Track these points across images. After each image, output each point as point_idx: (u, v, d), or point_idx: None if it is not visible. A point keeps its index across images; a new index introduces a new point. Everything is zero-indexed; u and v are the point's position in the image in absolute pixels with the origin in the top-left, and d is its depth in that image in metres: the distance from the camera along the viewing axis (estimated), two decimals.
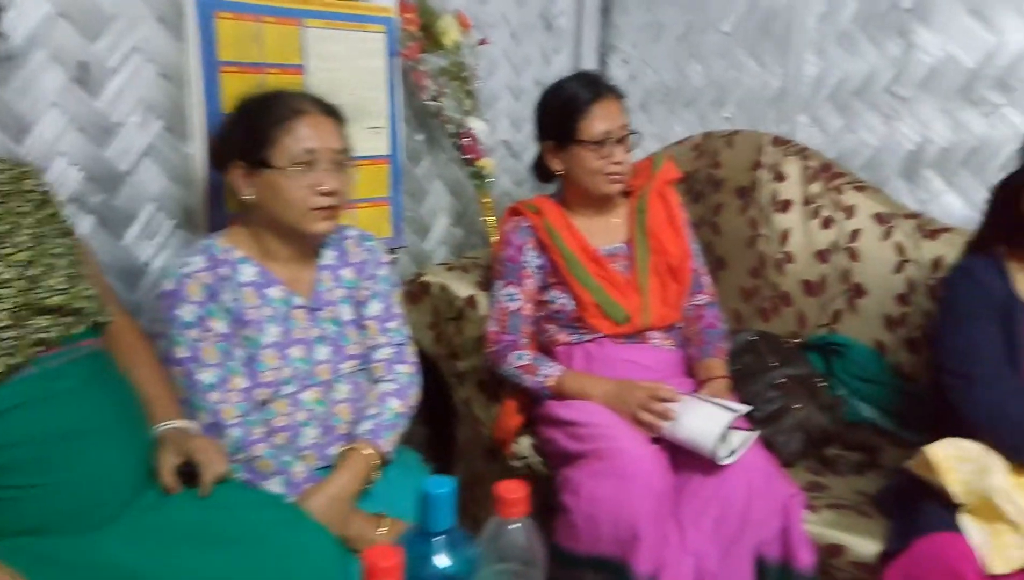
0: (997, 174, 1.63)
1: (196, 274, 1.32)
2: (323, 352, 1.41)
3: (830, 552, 1.44)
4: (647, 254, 1.75)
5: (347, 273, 1.48)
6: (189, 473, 1.14)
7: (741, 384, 1.76)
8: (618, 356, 1.71)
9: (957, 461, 1.31)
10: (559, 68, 2.46)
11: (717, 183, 2.13)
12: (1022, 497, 1.25)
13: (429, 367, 1.96)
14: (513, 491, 0.78)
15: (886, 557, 1.35)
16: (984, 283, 1.46)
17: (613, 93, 1.73)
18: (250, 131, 1.35)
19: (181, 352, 1.30)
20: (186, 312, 1.30)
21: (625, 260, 1.76)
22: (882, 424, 1.79)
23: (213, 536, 1.07)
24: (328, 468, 1.35)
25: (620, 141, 1.70)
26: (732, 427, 1.51)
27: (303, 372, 1.38)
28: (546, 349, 1.79)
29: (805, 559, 1.42)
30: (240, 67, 1.60)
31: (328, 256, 1.47)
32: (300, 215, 1.34)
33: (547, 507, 1.57)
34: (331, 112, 1.40)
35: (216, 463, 1.15)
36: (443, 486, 0.74)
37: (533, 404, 1.75)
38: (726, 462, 1.47)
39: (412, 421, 1.51)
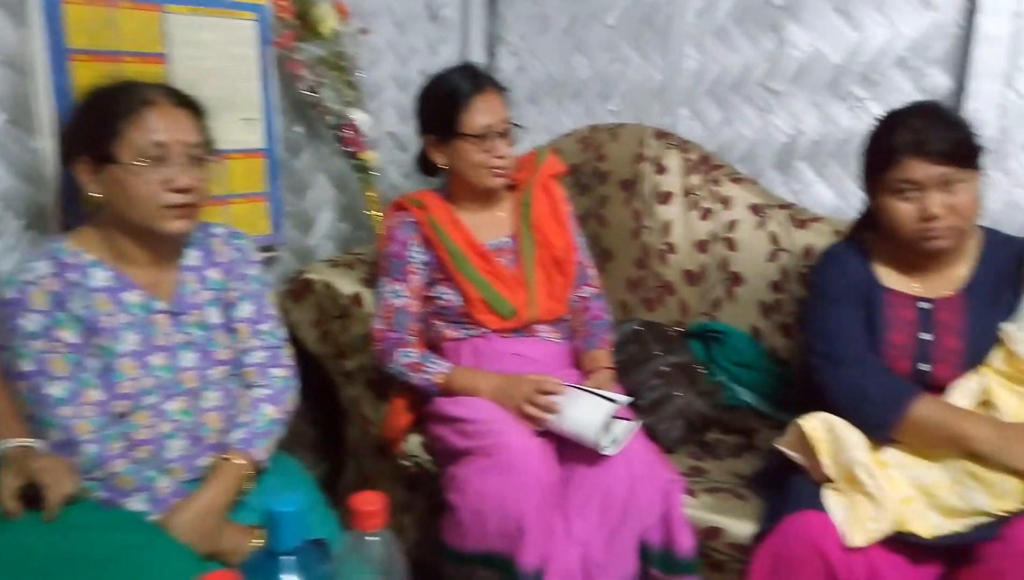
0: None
1: (40, 281, 1.22)
2: (189, 359, 1.34)
3: (709, 535, 1.48)
4: (532, 248, 1.76)
5: (214, 274, 1.41)
6: (34, 496, 1.06)
7: (626, 373, 1.79)
8: (506, 350, 1.71)
9: (824, 433, 1.37)
10: (446, 59, 2.42)
11: (602, 176, 2.15)
12: (880, 472, 1.32)
13: (315, 367, 1.90)
14: (369, 503, 0.75)
15: (759, 537, 1.40)
16: (848, 269, 1.53)
17: (494, 86, 1.72)
18: (95, 123, 1.26)
19: (26, 365, 1.20)
20: (30, 322, 1.21)
21: (511, 254, 1.76)
22: (759, 407, 1.87)
23: (60, 561, 1.00)
24: (198, 481, 1.29)
25: (502, 135, 1.69)
26: (616, 417, 1.53)
27: (167, 381, 1.31)
28: (434, 345, 1.76)
29: (685, 543, 1.45)
30: (92, 55, 1.50)
31: (192, 256, 1.40)
32: (150, 213, 1.26)
33: (439, 505, 1.55)
34: (186, 103, 1.32)
35: (63, 483, 1.07)
36: (289, 505, 0.70)
37: (422, 402, 1.72)
38: (609, 452, 1.49)
39: (299, 422, 1.46)
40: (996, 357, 1.37)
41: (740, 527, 1.46)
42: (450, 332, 1.74)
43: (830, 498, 1.32)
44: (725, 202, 2.02)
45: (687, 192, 2.06)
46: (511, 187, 1.81)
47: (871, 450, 1.37)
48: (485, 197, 1.76)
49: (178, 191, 1.27)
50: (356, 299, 1.82)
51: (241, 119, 1.78)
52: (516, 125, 1.72)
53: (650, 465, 1.51)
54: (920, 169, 1.37)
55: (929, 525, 1.27)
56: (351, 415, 1.91)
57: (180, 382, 1.32)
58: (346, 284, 1.84)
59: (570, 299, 1.79)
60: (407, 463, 1.77)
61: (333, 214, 2.21)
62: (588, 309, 1.82)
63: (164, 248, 1.35)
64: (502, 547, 1.43)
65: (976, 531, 1.25)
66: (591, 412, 1.49)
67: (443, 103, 1.69)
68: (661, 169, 2.08)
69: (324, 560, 0.74)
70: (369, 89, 2.16)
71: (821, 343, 1.49)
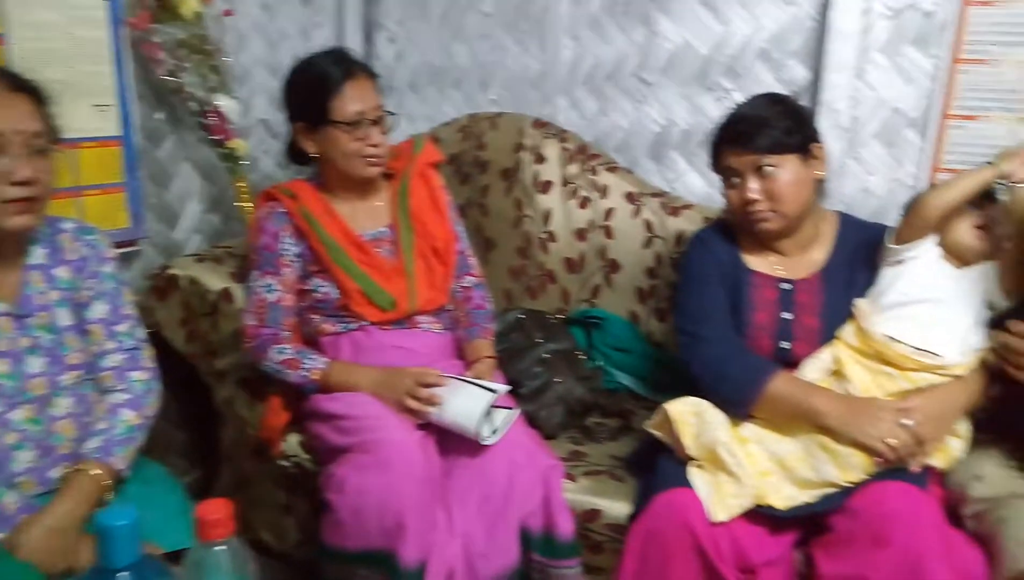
0: None
1: None
2: (36, 364, 1.24)
3: (588, 517, 1.51)
4: (411, 237, 1.73)
5: (63, 272, 1.31)
6: None
7: (509, 362, 1.80)
8: (386, 343, 1.68)
9: (690, 415, 1.42)
10: (320, 45, 2.32)
11: (483, 165, 2.15)
12: (741, 450, 1.38)
13: (184, 367, 1.81)
14: (214, 511, 0.71)
15: (633, 517, 1.44)
16: (716, 252, 1.59)
17: (365, 72, 1.67)
18: None
19: None
20: None
21: (389, 244, 1.73)
22: (637, 390, 1.92)
23: None
24: (50, 495, 1.20)
25: (375, 122, 1.65)
26: (496, 406, 1.53)
27: (10, 389, 1.21)
28: (311, 340, 1.71)
29: (565, 527, 1.48)
30: None
31: (38, 254, 1.29)
32: None
33: (321, 506, 1.51)
34: (24, 87, 1.21)
35: None
36: (121, 518, 0.66)
37: (299, 399, 1.67)
38: (490, 442, 1.49)
39: (169, 427, 1.38)
40: (848, 332, 1.46)
41: (618, 508, 1.50)
42: (328, 326, 1.69)
43: (695, 476, 1.37)
44: (602, 191, 2.06)
45: (566, 181, 2.08)
46: (388, 176, 1.78)
47: (732, 427, 1.43)
48: (361, 186, 1.72)
49: (17, 184, 1.17)
50: (226, 295, 1.74)
51: (93, 105, 1.66)
52: (389, 113, 1.68)
53: (530, 453, 1.52)
54: (733, 158, 1.48)
55: (784, 497, 1.34)
56: (225, 416, 1.83)
57: (26, 390, 1.22)
58: (214, 279, 1.76)
59: (451, 289, 1.78)
60: (286, 464, 1.71)
61: (200, 206, 2.11)
62: (470, 299, 1.82)
63: (5, 246, 1.24)
64: (383, 544, 1.40)
65: (825, 501, 1.33)
66: (471, 403, 1.49)
67: (312, 89, 1.63)
68: (540, 158, 2.09)
69: (163, 575, 0.70)
70: (236, 74, 2.06)
71: (687, 322, 1.55)
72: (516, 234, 2.10)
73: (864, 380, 1.40)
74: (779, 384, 1.40)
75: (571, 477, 1.56)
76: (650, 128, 2.18)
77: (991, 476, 1.34)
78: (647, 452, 1.53)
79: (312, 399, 1.63)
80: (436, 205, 1.78)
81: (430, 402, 1.53)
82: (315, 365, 1.61)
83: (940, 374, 1.37)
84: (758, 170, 1.46)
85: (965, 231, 1.41)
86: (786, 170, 1.46)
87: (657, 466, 1.44)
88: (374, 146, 1.65)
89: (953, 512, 1.37)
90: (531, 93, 2.29)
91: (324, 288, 1.66)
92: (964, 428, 1.40)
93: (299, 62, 1.69)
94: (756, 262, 1.57)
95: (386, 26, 2.45)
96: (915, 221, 1.41)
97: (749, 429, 1.42)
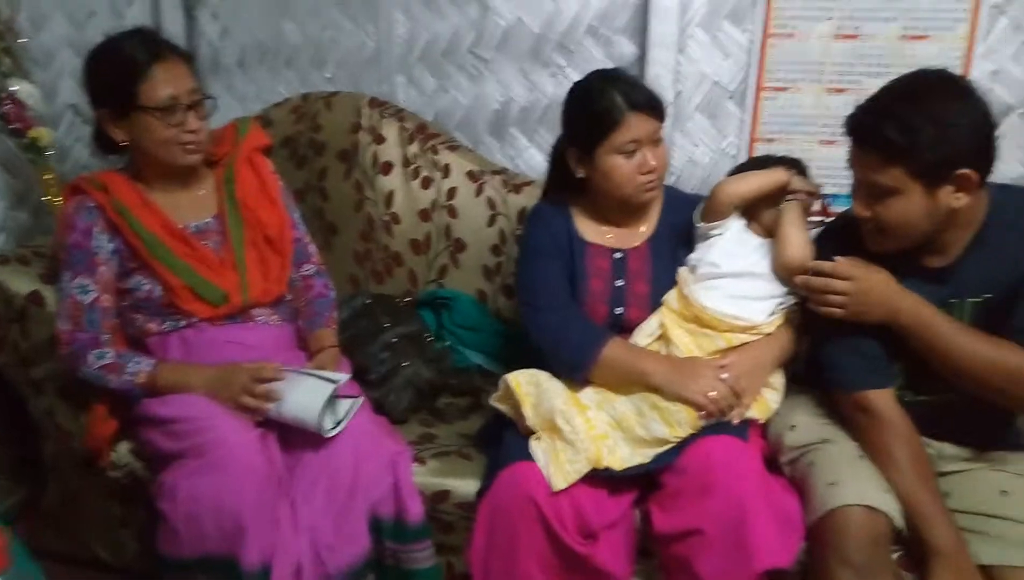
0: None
1: None
2: None
3: (438, 498, 1.52)
4: (241, 227, 1.65)
5: None
6: None
7: (356, 348, 1.77)
8: (220, 339, 1.60)
9: (529, 386, 1.45)
10: (133, 22, 2.18)
11: (319, 147, 2.08)
12: (579, 415, 1.42)
13: None
14: None
15: (481, 492, 1.46)
16: (552, 225, 1.62)
17: (176, 53, 1.57)
18: None
19: None
20: None
21: (217, 236, 1.64)
22: (488, 367, 1.93)
23: None
24: None
25: (192, 107, 1.55)
26: (339, 396, 1.50)
27: None
28: (137, 342, 1.61)
29: (415, 511, 1.47)
30: None
31: None
32: None
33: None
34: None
35: None
36: None
37: (127, 405, 1.56)
38: (333, 434, 1.46)
39: None
40: (671, 297, 1.54)
41: (466, 486, 1.51)
42: (153, 326, 1.59)
43: (535, 448, 1.40)
44: (444, 170, 2.04)
45: (407, 161, 2.05)
46: (211, 163, 1.69)
47: (572, 394, 1.47)
48: (181, 175, 1.62)
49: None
50: (35, 298, 1.60)
51: None
52: (207, 96, 1.59)
53: (376, 440, 1.50)
54: (641, 126, 1.48)
55: (620, 458, 1.40)
56: (45, 429, 1.69)
57: None
58: (21, 282, 1.62)
59: (290, 278, 1.72)
60: (117, 474, 1.61)
61: (3, 202, 1.92)
62: (311, 287, 1.76)
63: None
64: (223, 548, 1.35)
65: (658, 459, 1.40)
66: (311, 397, 1.45)
67: (117, 73, 1.51)
68: (379, 139, 2.05)
69: None
70: (36, 56, 1.88)
71: (527, 293, 1.59)
72: (358, 218, 2.06)
73: (686, 342, 1.48)
74: (612, 349, 1.46)
75: (421, 460, 1.56)
76: (490, 105, 2.18)
77: (802, 425, 1.46)
78: (494, 427, 1.55)
79: (141, 404, 1.53)
80: (266, 191, 1.70)
81: (268, 398, 1.47)
82: (140, 368, 1.52)
83: (752, 334, 1.47)
84: (654, 139, 1.50)
85: (765, 215, 1.52)
86: (663, 142, 1.55)
87: (502, 441, 1.46)
88: (192, 132, 1.55)
89: (773, 461, 1.48)
90: (368, 71, 2.24)
91: (146, 286, 1.56)
92: (779, 381, 1.50)
93: (100, 44, 1.56)
94: (590, 233, 1.62)
95: (208, 2, 2.30)
96: (714, 206, 1.52)
97: (588, 395, 1.47)
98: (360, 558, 1.44)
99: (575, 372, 1.48)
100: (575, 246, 1.61)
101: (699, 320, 1.48)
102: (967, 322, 1.33)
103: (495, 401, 1.50)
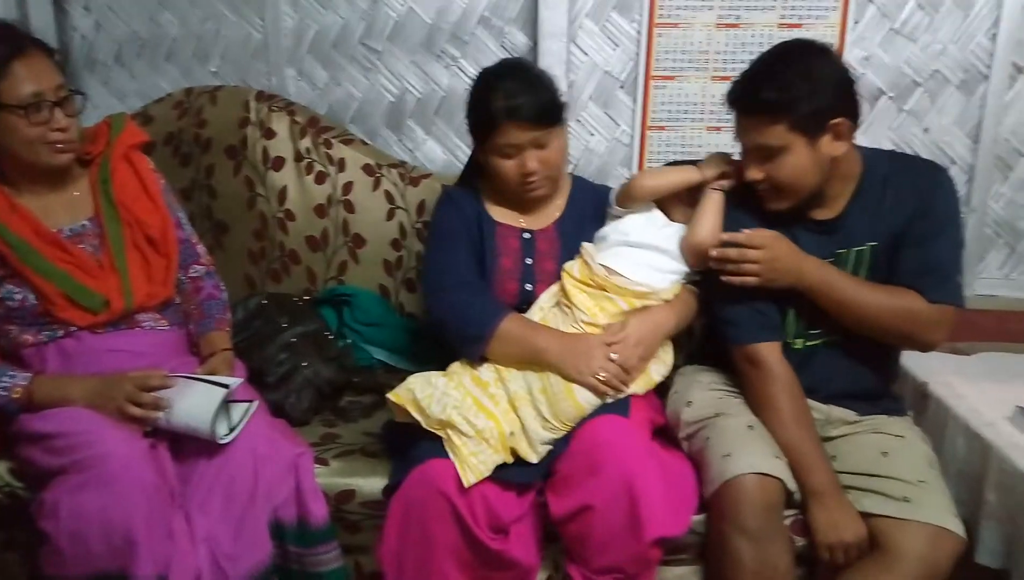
0: (464, 122, 1.78)
1: None
2: None
3: (342, 498, 1.49)
4: (120, 228, 1.57)
5: None
6: None
7: (252, 351, 1.72)
8: (102, 348, 1.52)
9: (422, 391, 1.43)
10: None
11: (205, 143, 2.00)
12: (480, 414, 1.41)
13: None
14: None
15: (390, 490, 1.44)
16: (462, 208, 1.65)
17: (39, 47, 1.47)
18: None
19: None
20: None
21: (94, 238, 1.56)
22: (392, 363, 1.91)
23: None
24: None
25: (59, 103, 1.46)
26: (233, 401, 1.45)
27: None
28: (12, 354, 1.51)
29: (318, 513, 1.44)
30: None
31: None
32: None
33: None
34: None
35: None
36: None
37: (4, 422, 1.47)
38: (227, 440, 1.41)
39: None
40: (573, 267, 1.56)
41: (371, 485, 1.49)
42: (29, 337, 1.50)
43: (445, 444, 1.39)
44: (339, 164, 2.00)
45: (299, 156, 2.00)
46: (85, 163, 1.59)
47: (472, 373, 1.47)
48: (51, 177, 1.53)
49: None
50: None
51: None
52: (75, 92, 1.50)
53: (275, 443, 1.46)
54: (516, 134, 1.50)
55: (523, 450, 1.41)
56: None
57: None
58: None
59: (177, 280, 1.64)
60: None
61: None
62: (200, 289, 1.69)
63: None
64: (112, 565, 1.29)
65: (556, 445, 1.42)
66: (202, 403, 1.39)
67: None
68: (269, 133, 1.99)
69: None
70: None
71: (432, 274, 1.61)
72: (250, 215, 1.99)
73: (588, 305, 1.50)
74: (509, 324, 1.48)
75: (323, 461, 1.53)
76: (385, 97, 2.15)
77: (698, 401, 1.51)
78: (399, 423, 1.53)
79: (18, 420, 1.44)
80: (146, 190, 1.62)
81: (155, 407, 1.41)
82: (15, 382, 1.43)
83: (652, 299, 1.51)
84: (538, 143, 1.52)
85: (677, 211, 1.57)
86: (559, 139, 1.56)
87: (413, 438, 1.44)
88: (60, 131, 1.46)
89: (674, 437, 1.52)
90: (255, 64, 2.17)
91: (18, 295, 1.47)
92: (667, 357, 1.55)
93: None
94: (500, 215, 1.65)
95: None
96: (629, 195, 1.55)
97: (487, 372, 1.47)
98: (262, 565, 1.39)
99: (475, 346, 1.48)
100: (485, 226, 1.63)
101: (601, 285, 1.51)
102: (854, 268, 1.44)
103: (397, 417, 1.47)
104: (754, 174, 1.40)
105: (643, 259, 1.52)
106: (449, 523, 1.37)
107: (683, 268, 1.54)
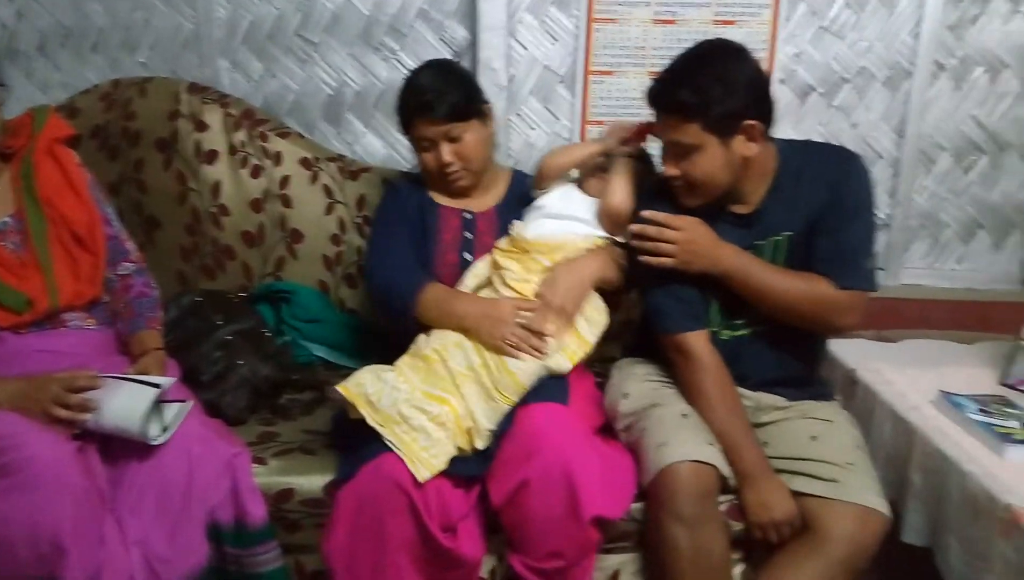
0: None
1: None
2: None
3: (281, 497, 1.46)
4: (44, 225, 1.51)
5: None
6: None
7: (186, 349, 1.67)
8: (26, 349, 1.47)
9: (372, 386, 1.42)
10: None
11: (134, 136, 1.94)
12: (431, 403, 1.41)
13: None
14: None
15: (336, 485, 1.43)
16: (404, 194, 1.73)
17: None
18: None
19: None
20: None
21: (16, 235, 1.50)
22: (333, 360, 1.89)
23: None
24: None
25: None
26: (165, 401, 1.41)
27: None
28: None
29: (256, 513, 1.41)
30: None
31: None
32: None
33: None
34: None
35: None
36: None
37: None
38: (160, 441, 1.37)
39: None
40: (502, 242, 1.64)
41: (312, 482, 1.47)
42: None
43: (396, 439, 1.38)
44: (275, 158, 1.96)
45: (234, 150, 1.95)
46: (6, 157, 1.53)
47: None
48: None
49: None
50: None
51: None
52: None
53: (210, 443, 1.42)
54: (427, 129, 1.61)
55: (473, 440, 1.41)
56: None
57: None
58: None
59: (105, 278, 1.59)
60: None
61: None
62: (130, 287, 1.63)
63: None
64: (40, 572, 1.24)
65: (498, 435, 1.42)
66: (132, 403, 1.35)
67: None
68: (201, 126, 1.94)
69: None
70: None
71: (371, 256, 1.69)
72: (183, 210, 1.94)
73: (515, 267, 1.57)
74: (431, 290, 1.55)
75: (261, 460, 1.50)
76: (322, 90, 2.12)
77: (634, 392, 1.54)
78: (346, 418, 1.51)
79: None
80: (72, 185, 1.56)
81: (83, 408, 1.36)
82: None
83: (569, 250, 1.57)
84: (451, 137, 1.61)
85: (591, 183, 1.65)
86: (474, 132, 1.64)
87: (364, 433, 1.42)
88: None
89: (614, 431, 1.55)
90: (186, 55, 2.11)
91: None
92: (600, 316, 1.57)
93: None
94: (444, 200, 1.72)
95: None
96: (542, 175, 1.64)
97: (429, 350, 1.48)
98: (198, 568, 1.36)
99: (404, 317, 1.55)
100: (427, 210, 1.70)
101: (524, 248, 1.58)
102: (772, 257, 1.49)
103: (345, 407, 1.45)
104: (671, 170, 1.45)
105: (562, 226, 1.60)
106: (405, 517, 1.37)
107: (601, 233, 1.61)
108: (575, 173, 1.68)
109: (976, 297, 2.18)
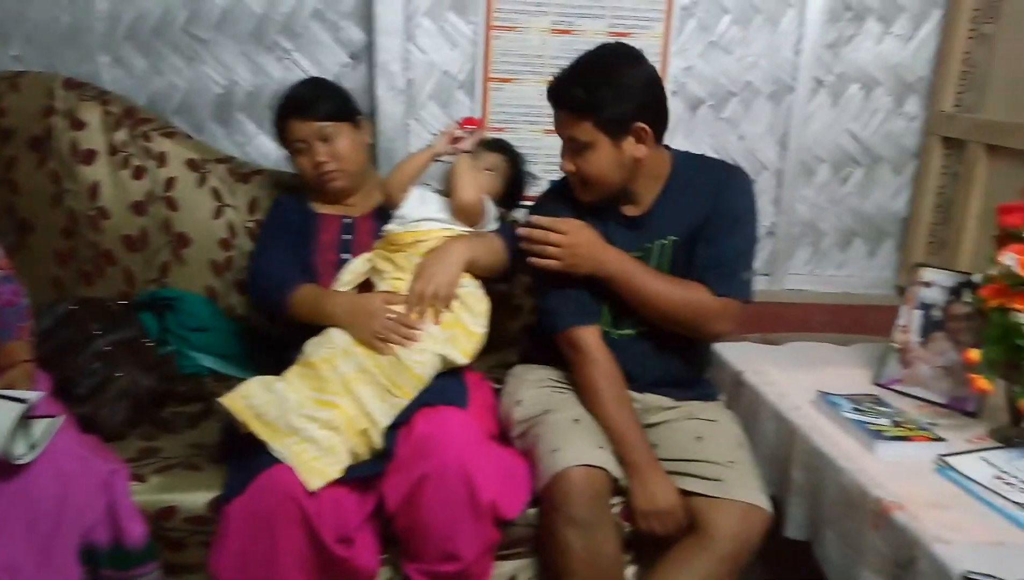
0: None
1: None
2: None
3: (163, 515, 1.40)
4: None
5: None
6: None
7: (60, 360, 1.57)
8: None
9: (259, 397, 1.38)
10: None
11: (5, 133, 1.81)
12: (323, 409, 1.38)
13: None
14: None
15: (222, 501, 1.37)
16: (285, 207, 1.76)
17: None
18: None
19: None
20: None
21: None
22: (222, 370, 1.82)
23: None
24: None
25: None
26: (33, 416, 1.32)
27: None
28: None
29: (135, 532, 1.35)
30: None
31: None
32: None
33: None
34: None
35: None
36: None
37: None
38: (27, 459, 1.28)
39: None
40: (376, 243, 1.66)
41: (196, 499, 1.41)
42: None
43: (285, 450, 1.35)
44: (159, 159, 1.88)
45: (114, 149, 1.85)
46: None
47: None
48: None
49: None
50: None
51: None
52: None
53: (83, 461, 1.34)
54: (302, 129, 1.65)
55: (368, 441, 1.40)
56: None
57: None
58: None
59: None
60: None
61: None
62: None
63: None
64: None
65: (395, 434, 1.41)
66: None
67: None
68: (78, 124, 1.83)
69: None
70: None
71: (251, 262, 1.74)
72: (58, 213, 1.83)
73: (388, 267, 1.59)
74: (302, 290, 1.58)
75: (140, 477, 1.42)
76: (212, 89, 2.04)
77: (528, 399, 1.56)
78: (234, 431, 1.45)
79: None
80: None
81: None
82: None
83: (434, 239, 1.60)
84: (324, 137, 1.64)
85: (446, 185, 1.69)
86: (347, 136, 1.68)
87: (254, 446, 1.37)
88: None
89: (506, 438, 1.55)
90: (64, 49, 1.99)
91: None
92: (481, 306, 1.58)
93: None
94: (323, 208, 1.74)
95: None
96: (389, 194, 1.68)
97: (317, 355, 1.46)
98: None
99: (278, 310, 1.59)
100: (308, 219, 1.72)
101: (396, 249, 1.60)
102: (659, 260, 1.55)
103: (235, 420, 1.40)
104: (567, 165, 1.51)
105: (424, 225, 1.63)
106: (297, 530, 1.33)
107: (461, 228, 1.64)
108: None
109: (853, 301, 2.32)
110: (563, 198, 1.57)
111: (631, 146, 1.46)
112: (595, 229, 1.52)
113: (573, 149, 1.48)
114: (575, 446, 1.39)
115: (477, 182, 1.63)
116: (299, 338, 1.54)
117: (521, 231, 1.52)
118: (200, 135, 2.03)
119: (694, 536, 1.39)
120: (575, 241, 1.48)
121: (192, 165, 1.88)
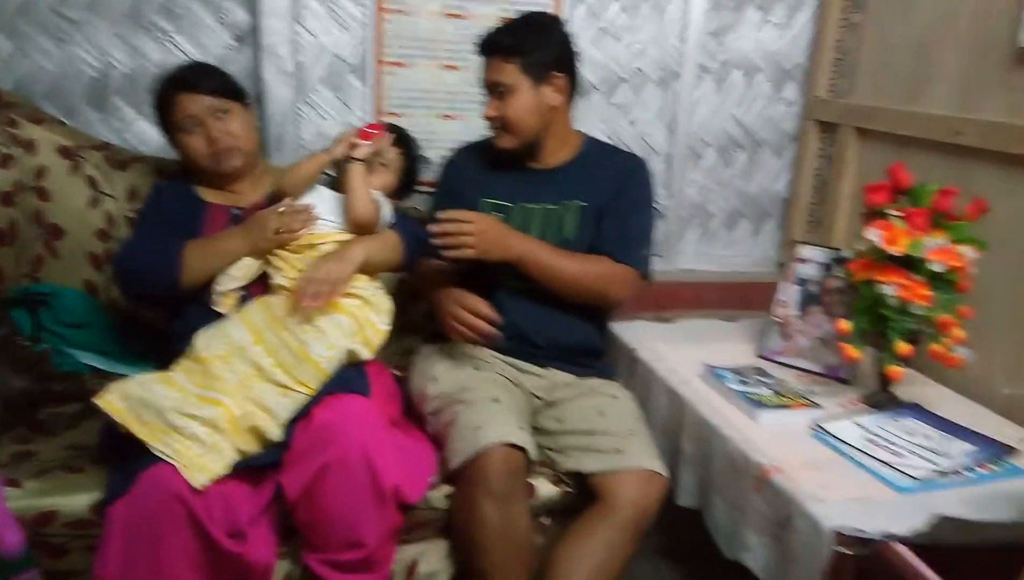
0: None
1: None
2: None
3: (41, 521, 1.32)
4: None
5: None
6: None
7: None
8: None
9: (135, 395, 1.32)
10: None
11: None
12: (192, 407, 1.33)
13: None
14: None
15: (106, 503, 1.31)
16: (167, 196, 1.67)
17: None
18: None
19: None
20: None
21: None
22: (103, 367, 1.72)
23: None
24: None
25: None
26: None
27: None
28: None
29: (10, 540, 1.26)
30: None
31: None
32: None
33: None
34: None
35: None
36: None
37: None
38: None
39: None
40: None
41: (77, 502, 1.34)
42: None
43: (167, 447, 1.30)
44: (28, 146, 1.75)
45: None
46: None
47: (191, 357, 1.40)
48: None
49: None
50: None
51: None
52: None
53: None
54: (191, 103, 1.59)
55: (264, 426, 1.36)
56: None
57: None
58: None
59: None
60: None
61: None
62: None
63: None
64: None
65: (294, 424, 1.39)
66: None
67: None
68: None
69: None
70: None
71: (121, 248, 1.60)
72: None
73: (284, 266, 1.55)
74: (189, 247, 1.53)
75: (15, 482, 1.34)
76: (85, 72, 1.93)
77: (443, 376, 1.61)
78: (115, 431, 1.38)
79: None
80: None
81: None
82: None
83: (328, 243, 1.57)
84: (217, 113, 1.60)
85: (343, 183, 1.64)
86: (240, 116, 1.64)
87: (132, 443, 1.32)
88: None
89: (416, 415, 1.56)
90: None
91: None
92: (384, 302, 1.57)
93: None
94: (211, 196, 1.67)
95: None
96: (282, 191, 1.62)
97: (209, 351, 1.41)
98: None
99: (172, 285, 1.51)
100: (194, 207, 1.65)
101: (291, 250, 1.56)
102: (570, 220, 1.68)
103: (122, 429, 1.33)
104: (490, 112, 1.65)
105: (318, 226, 1.61)
106: (185, 529, 1.28)
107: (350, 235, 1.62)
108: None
109: (740, 279, 2.43)
110: (474, 155, 1.75)
111: (549, 94, 1.63)
112: (506, 182, 1.70)
113: (497, 93, 1.62)
114: (498, 425, 1.44)
115: (370, 196, 1.59)
116: (186, 331, 1.48)
117: (433, 228, 1.53)
118: (73, 121, 1.92)
119: (597, 508, 1.45)
120: (483, 227, 1.55)
121: (64, 152, 1.78)
